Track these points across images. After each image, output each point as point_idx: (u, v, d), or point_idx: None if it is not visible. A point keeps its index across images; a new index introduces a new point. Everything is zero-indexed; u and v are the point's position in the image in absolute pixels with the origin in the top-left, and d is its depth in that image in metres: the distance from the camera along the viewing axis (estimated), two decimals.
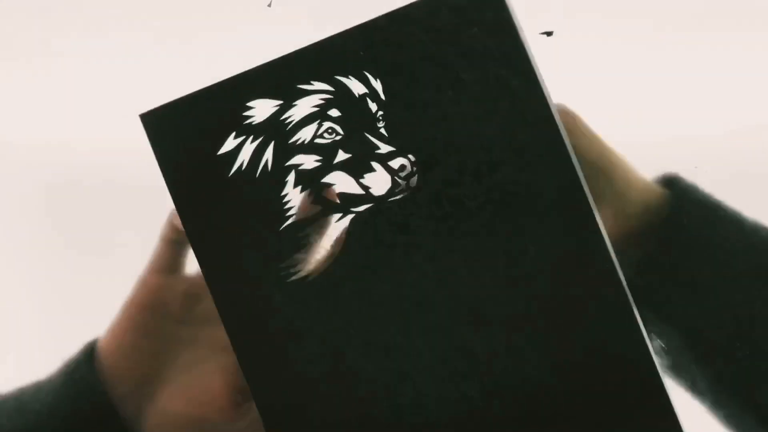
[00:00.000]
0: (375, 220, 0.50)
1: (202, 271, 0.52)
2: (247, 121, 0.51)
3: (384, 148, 0.50)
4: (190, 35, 0.63)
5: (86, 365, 0.58)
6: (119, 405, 0.57)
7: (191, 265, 0.60)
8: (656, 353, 0.52)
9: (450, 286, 0.50)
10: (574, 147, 0.50)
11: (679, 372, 0.56)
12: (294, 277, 0.51)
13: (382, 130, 0.50)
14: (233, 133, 0.51)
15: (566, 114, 0.54)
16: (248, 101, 0.51)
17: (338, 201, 0.51)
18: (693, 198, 0.56)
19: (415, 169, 0.50)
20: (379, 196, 0.50)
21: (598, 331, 0.49)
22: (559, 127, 0.50)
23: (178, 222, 0.55)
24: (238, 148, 0.51)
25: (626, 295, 0.49)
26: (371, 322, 0.51)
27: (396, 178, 0.50)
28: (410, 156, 0.50)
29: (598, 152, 0.55)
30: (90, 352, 0.59)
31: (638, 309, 0.50)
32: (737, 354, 0.54)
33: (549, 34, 0.62)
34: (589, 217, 0.49)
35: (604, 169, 0.55)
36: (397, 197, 0.50)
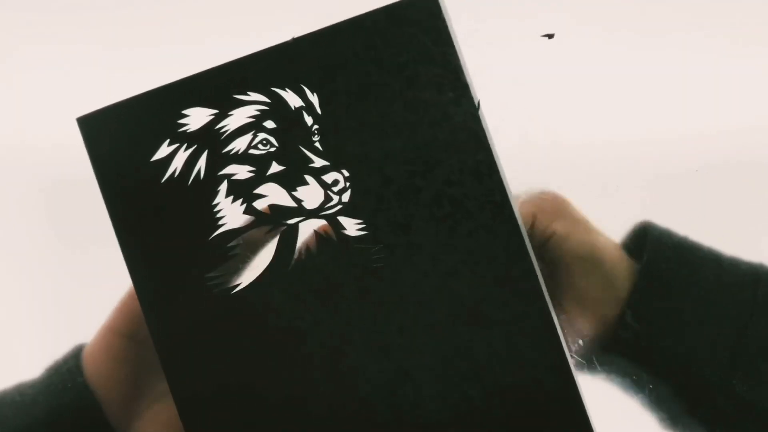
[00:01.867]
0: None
1: (130, 277, 0.51)
2: (182, 129, 0.51)
3: (318, 162, 0.50)
4: (135, 42, 0.63)
5: (75, 364, 0.58)
6: (105, 409, 0.57)
7: None
8: (650, 406, 0.54)
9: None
10: (564, 244, 0.51)
11: (676, 422, 0.56)
12: (219, 288, 0.50)
13: (317, 144, 0.51)
14: (167, 140, 0.51)
15: (555, 198, 0.54)
16: (184, 109, 0.51)
17: (269, 212, 0.51)
18: (669, 243, 0.56)
19: (348, 184, 0.50)
20: (311, 209, 0.50)
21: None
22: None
23: None
24: (172, 155, 0.51)
25: None
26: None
27: (329, 192, 0.50)
28: (344, 171, 0.50)
29: (589, 244, 0.56)
30: (77, 357, 0.58)
31: (628, 361, 0.52)
32: (737, 388, 0.55)
33: (550, 36, 0.61)
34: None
35: (594, 259, 0.56)
36: (328, 212, 0.50)
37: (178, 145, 0.51)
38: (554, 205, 0.54)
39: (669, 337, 0.55)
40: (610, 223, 0.57)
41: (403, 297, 0.50)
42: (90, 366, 0.58)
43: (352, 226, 0.50)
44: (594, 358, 0.55)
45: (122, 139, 0.51)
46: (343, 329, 0.51)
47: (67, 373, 0.58)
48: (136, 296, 0.57)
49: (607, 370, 0.56)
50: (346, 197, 0.50)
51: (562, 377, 0.50)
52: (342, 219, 0.51)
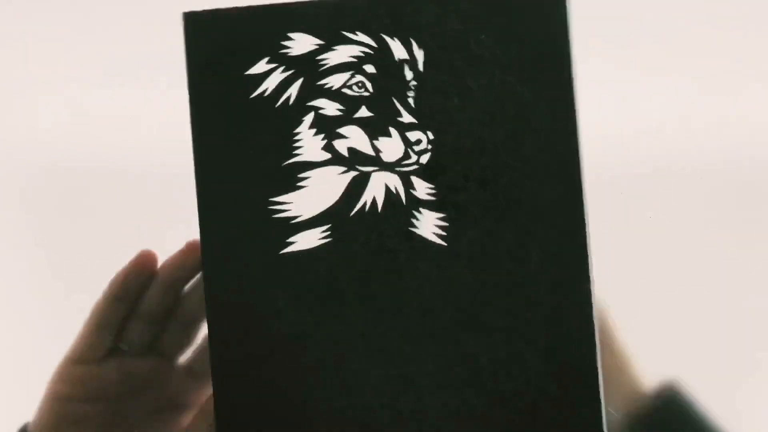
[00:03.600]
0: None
1: (196, 184, 0.51)
2: (283, 51, 0.51)
3: (406, 118, 0.50)
4: None
5: None
6: None
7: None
8: None
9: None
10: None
11: None
12: (278, 215, 0.51)
13: (410, 100, 0.50)
14: (267, 58, 0.51)
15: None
16: (291, 32, 0.51)
17: (347, 154, 0.51)
18: (685, 416, 0.57)
19: (429, 146, 0.50)
20: (388, 162, 0.50)
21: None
22: (577, 139, 0.50)
23: (117, 284, 0.55)
24: (267, 74, 0.51)
25: None
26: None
27: (409, 149, 0.50)
28: (429, 132, 0.50)
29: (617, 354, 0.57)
30: None
31: None
32: None
33: None
34: (580, 230, 0.50)
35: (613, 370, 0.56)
36: (405, 168, 0.50)
37: (276, 65, 0.51)
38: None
39: None
40: (614, 224, 0.56)
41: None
42: None
43: (422, 189, 0.50)
44: None
45: (223, 46, 0.51)
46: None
47: None
48: (74, 358, 0.57)
49: None
50: (424, 159, 0.50)
51: (564, 384, 0.50)
52: (414, 179, 0.50)
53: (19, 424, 0.59)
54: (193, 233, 0.52)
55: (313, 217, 0.51)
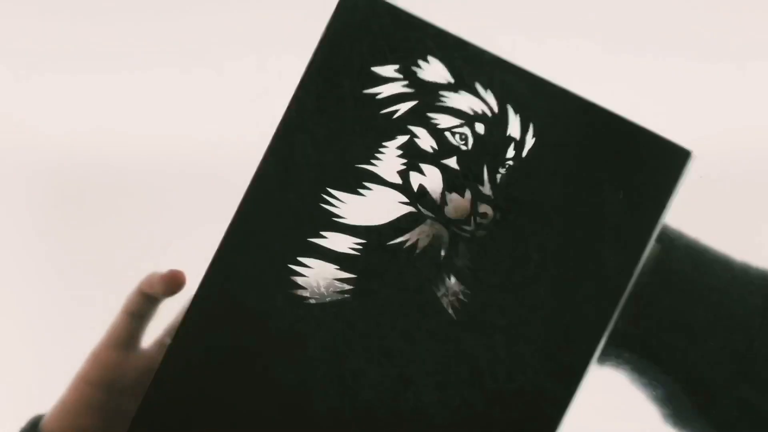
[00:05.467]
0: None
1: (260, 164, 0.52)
2: (415, 68, 0.51)
3: (486, 189, 0.50)
4: None
5: None
6: None
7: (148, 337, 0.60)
8: (656, 402, 0.54)
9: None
10: None
11: (680, 420, 0.56)
12: (327, 210, 0.51)
13: (498, 176, 0.50)
14: (397, 66, 0.51)
15: None
16: (431, 56, 0.51)
17: (415, 189, 0.51)
18: (680, 244, 0.56)
19: (491, 225, 0.50)
20: (447, 218, 0.50)
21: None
22: None
23: (147, 288, 0.56)
24: (389, 80, 0.51)
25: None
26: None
27: (473, 217, 0.50)
28: (498, 213, 0.50)
29: None
30: (34, 429, 0.58)
31: (636, 356, 0.53)
32: (741, 394, 0.54)
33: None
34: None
35: None
36: (459, 231, 0.50)
37: (401, 77, 0.51)
38: None
39: (677, 336, 0.54)
40: None
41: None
42: (57, 420, 0.57)
43: (464, 260, 0.50)
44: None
45: (367, 33, 0.51)
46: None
47: None
48: (109, 345, 0.58)
49: (614, 363, 0.56)
50: (480, 233, 0.50)
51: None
52: (461, 247, 0.50)
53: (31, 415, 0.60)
54: (196, 233, 0.53)
55: (354, 226, 0.51)
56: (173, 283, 0.57)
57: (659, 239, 0.53)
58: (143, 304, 0.58)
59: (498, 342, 0.50)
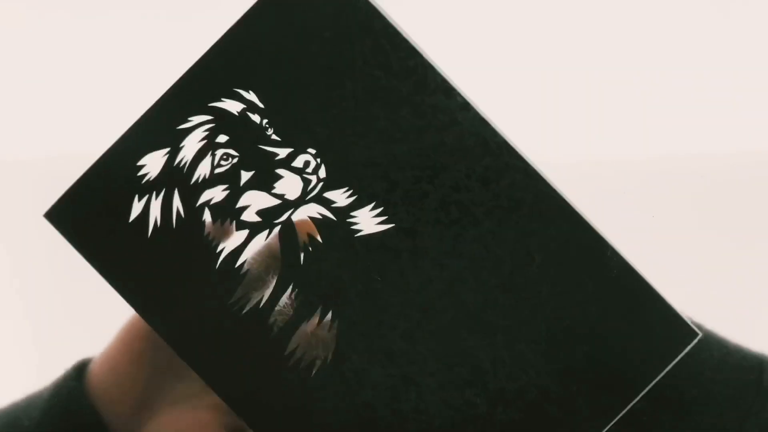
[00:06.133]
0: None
1: (159, 334, 0.51)
2: (144, 180, 0.51)
3: (282, 152, 0.50)
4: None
5: (76, 385, 0.57)
6: (109, 426, 0.56)
7: None
8: None
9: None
10: None
11: None
12: (245, 309, 0.50)
13: (273, 136, 0.50)
14: (136, 196, 0.51)
15: None
16: (137, 161, 0.51)
17: (260, 219, 0.51)
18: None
19: (318, 160, 0.50)
20: (296, 199, 0.50)
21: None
22: None
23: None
24: (147, 208, 0.51)
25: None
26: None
27: (304, 175, 0.50)
28: (309, 150, 0.50)
29: None
30: (80, 372, 0.58)
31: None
32: None
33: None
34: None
35: None
36: (312, 194, 0.50)
37: (147, 196, 0.50)
38: None
39: (669, 412, 0.55)
40: (616, 226, 0.56)
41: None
42: (103, 366, 0.57)
43: (340, 197, 0.50)
44: None
45: (94, 216, 0.51)
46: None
47: (64, 382, 0.58)
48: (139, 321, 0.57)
49: None
50: (322, 173, 0.50)
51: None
52: (328, 194, 0.50)
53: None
54: None
55: (274, 290, 0.51)
56: None
57: None
58: None
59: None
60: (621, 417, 0.50)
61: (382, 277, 0.50)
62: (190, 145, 0.50)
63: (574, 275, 0.50)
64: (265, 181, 0.50)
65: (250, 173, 0.50)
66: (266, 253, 0.50)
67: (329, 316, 0.51)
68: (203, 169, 0.50)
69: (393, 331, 0.50)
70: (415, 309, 0.50)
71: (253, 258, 0.51)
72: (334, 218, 0.50)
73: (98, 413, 0.56)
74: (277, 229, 0.51)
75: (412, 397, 0.50)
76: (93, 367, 0.58)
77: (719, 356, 0.56)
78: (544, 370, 0.50)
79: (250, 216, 0.51)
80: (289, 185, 0.50)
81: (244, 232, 0.51)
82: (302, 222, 0.50)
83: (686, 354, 0.50)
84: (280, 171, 0.50)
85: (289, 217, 0.50)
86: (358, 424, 0.50)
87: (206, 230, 0.51)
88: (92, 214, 0.51)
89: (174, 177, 0.50)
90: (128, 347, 0.57)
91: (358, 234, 0.50)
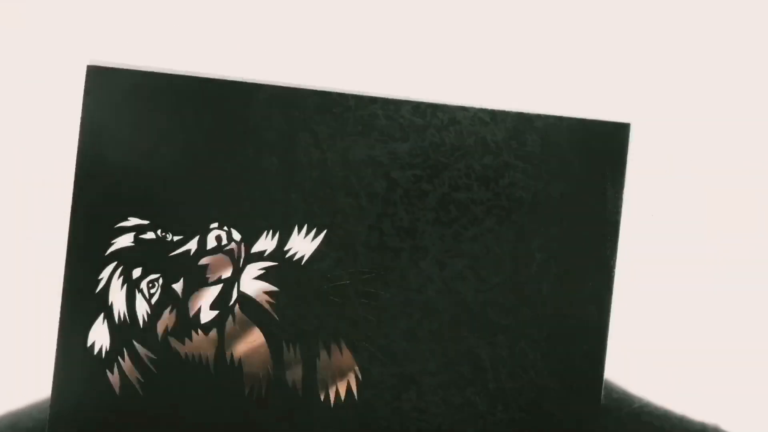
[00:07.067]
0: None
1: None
2: (105, 354, 0.51)
3: (192, 245, 0.50)
4: None
5: None
6: None
7: None
8: None
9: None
10: None
11: None
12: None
13: (175, 238, 0.50)
14: (107, 371, 0.51)
15: None
16: (86, 349, 0.51)
17: (217, 311, 0.50)
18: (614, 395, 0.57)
19: (226, 228, 0.50)
20: (233, 273, 0.50)
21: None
22: None
23: None
24: (123, 373, 0.51)
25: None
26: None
27: (225, 250, 0.50)
28: (212, 225, 0.50)
29: None
30: None
31: None
32: None
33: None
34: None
35: None
36: (243, 257, 0.50)
37: (116, 364, 0.51)
38: None
39: None
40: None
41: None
42: None
43: (267, 243, 0.50)
44: None
45: None
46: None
47: None
48: None
49: None
50: (236, 235, 0.50)
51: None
52: (255, 249, 0.50)
53: None
54: None
55: (273, 360, 0.50)
56: None
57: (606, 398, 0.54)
58: None
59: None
60: None
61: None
62: (117, 299, 0.51)
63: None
64: (197, 280, 0.50)
65: (181, 282, 0.50)
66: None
67: (341, 343, 0.51)
68: (142, 309, 0.50)
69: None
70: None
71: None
72: (276, 263, 0.50)
73: None
74: (237, 308, 0.50)
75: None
76: None
77: (667, 425, 0.56)
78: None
79: (207, 316, 0.50)
80: (218, 267, 0.50)
81: (214, 332, 0.50)
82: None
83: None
84: (202, 262, 0.50)
85: (239, 292, 0.50)
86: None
87: (182, 355, 0.50)
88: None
89: (123, 336, 0.50)
90: None
91: (303, 261, 0.50)
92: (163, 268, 0.50)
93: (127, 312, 0.50)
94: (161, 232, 0.50)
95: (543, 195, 0.50)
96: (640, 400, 0.57)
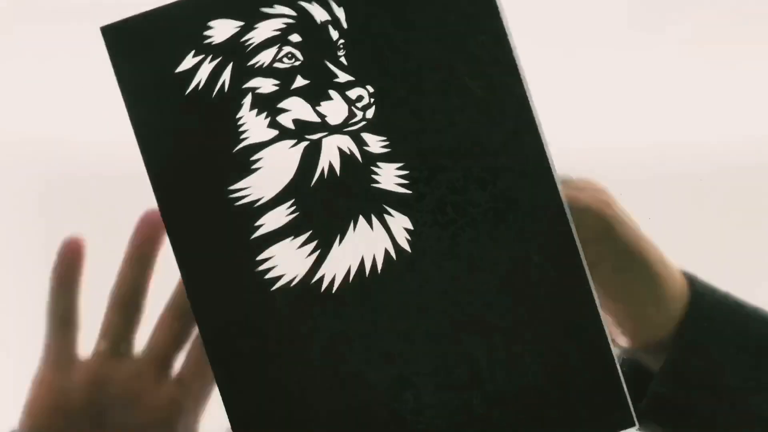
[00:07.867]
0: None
1: (154, 193, 0.51)
2: (207, 41, 0.50)
3: (342, 77, 0.50)
4: None
5: None
6: None
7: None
8: None
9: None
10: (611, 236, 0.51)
11: None
12: (240, 203, 0.50)
13: (342, 59, 0.50)
14: (192, 51, 0.50)
15: (599, 193, 0.53)
16: (210, 20, 0.50)
17: (293, 127, 0.51)
18: (711, 300, 0.54)
19: (372, 100, 0.50)
20: (335, 125, 0.50)
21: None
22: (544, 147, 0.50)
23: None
24: (197, 67, 0.51)
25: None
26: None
27: (353, 108, 0.50)
28: (368, 87, 0.50)
29: (634, 240, 0.54)
30: None
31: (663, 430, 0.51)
32: None
33: None
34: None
35: (638, 261, 0.54)
36: (353, 127, 0.50)
37: (203, 56, 0.50)
38: (604, 198, 0.53)
39: (709, 402, 0.52)
40: None
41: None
42: None
43: (375, 143, 0.50)
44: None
45: (147, 51, 0.51)
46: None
47: None
48: (54, 367, 0.57)
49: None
50: (370, 113, 0.50)
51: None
52: (365, 135, 0.50)
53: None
54: None
55: (275, 196, 0.51)
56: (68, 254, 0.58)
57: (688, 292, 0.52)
58: (65, 309, 0.58)
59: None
60: (650, 406, 0.50)
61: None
62: (264, 30, 0.50)
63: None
64: (314, 96, 0.50)
65: (305, 82, 0.50)
66: (279, 161, 0.51)
67: (313, 244, 0.51)
68: (265, 57, 0.50)
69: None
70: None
71: (268, 158, 0.51)
72: (360, 159, 0.51)
73: None
74: (304, 144, 0.51)
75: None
76: None
77: (759, 335, 0.52)
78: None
79: (286, 120, 0.51)
80: (334, 109, 0.50)
81: (273, 132, 0.51)
82: None
83: (725, 333, 0.50)
84: (332, 92, 0.50)
85: (320, 138, 0.51)
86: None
87: (240, 113, 0.51)
88: (145, 47, 0.51)
89: (235, 51, 0.50)
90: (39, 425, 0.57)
91: (375, 185, 0.50)
92: (309, 60, 0.50)
93: (255, 45, 0.50)
94: (341, 44, 0.50)
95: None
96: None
